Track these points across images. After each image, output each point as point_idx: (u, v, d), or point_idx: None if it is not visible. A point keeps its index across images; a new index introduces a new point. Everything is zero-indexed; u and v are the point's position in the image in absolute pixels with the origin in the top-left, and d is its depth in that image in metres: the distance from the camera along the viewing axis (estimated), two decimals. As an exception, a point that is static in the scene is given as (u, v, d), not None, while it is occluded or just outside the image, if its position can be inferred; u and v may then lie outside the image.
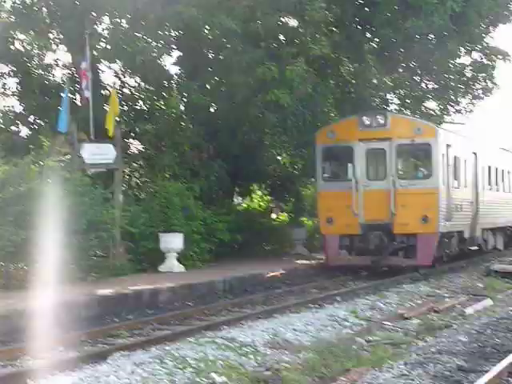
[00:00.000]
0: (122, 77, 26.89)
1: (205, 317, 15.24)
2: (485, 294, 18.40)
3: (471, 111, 31.56)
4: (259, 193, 31.30)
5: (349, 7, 25.99)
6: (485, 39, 29.10)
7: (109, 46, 24.62)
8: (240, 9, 23.73)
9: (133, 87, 27.14)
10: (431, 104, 31.31)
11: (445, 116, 31.67)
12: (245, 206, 30.93)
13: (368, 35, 27.66)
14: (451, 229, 23.29)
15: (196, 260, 23.08)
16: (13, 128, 26.05)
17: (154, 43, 24.24)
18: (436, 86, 30.28)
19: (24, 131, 26.31)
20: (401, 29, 25.48)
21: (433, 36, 26.92)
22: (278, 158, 30.76)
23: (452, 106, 31.36)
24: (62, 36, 25.38)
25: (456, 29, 25.82)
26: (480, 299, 17.51)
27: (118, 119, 22.92)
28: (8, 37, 24.89)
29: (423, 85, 30.66)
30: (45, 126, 25.05)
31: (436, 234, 22.13)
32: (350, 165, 22.95)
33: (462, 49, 28.54)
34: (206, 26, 24.50)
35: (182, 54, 26.61)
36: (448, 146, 23.10)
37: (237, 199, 30.73)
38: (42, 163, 20.36)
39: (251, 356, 11.26)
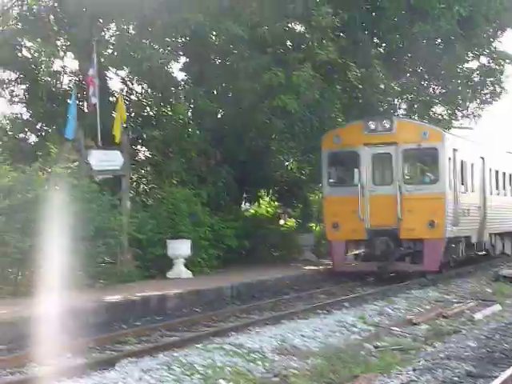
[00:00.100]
0: (129, 83, 26.91)
1: (213, 323, 15.20)
2: (493, 300, 18.34)
3: (479, 116, 31.51)
4: (267, 199, 31.27)
5: (355, 12, 25.95)
6: (492, 43, 29.06)
7: (116, 53, 24.63)
8: (246, 15, 23.75)
9: (140, 94, 27.17)
10: (439, 109, 31.28)
11: (453, 121, 31.62)
12: (252, 211, 30.90)
13: (375, 40, 27.65)
14: (458, 234, 23.19)
15: (204, 266, 23.05)
16: (20, 135, 26.11)
17: (161, 50, 24.23)
18: (444, 91, 30.22)
19: (31, 138, 26.37)
20: (408, 34, 25.47)
21: (440, 41, 26.91)
22: (286, 163, 30.74)
23: (460, 110, 31.30)
24: (69, 43, 25.41)
25: (463, 33, 25.80)
26: (489, 304, 17.45)
27: (125, 125, 22.93)
28: (15, 44, 24.94)
29: (431, 90, 30.62)
30: (52, 132, 25.06)
31: (443, 240, 22.02)
32: (355, 170, 22.91)
33: (470, 53, 28.50)
34: (213, 32, 24.54)
35: (188, 60, 26.63)
36: (455, 150, 23.03)
37: (244, 205, 30.71)
38: (49, 170, 20.41)
39: (259, 362, 11.24)
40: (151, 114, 27.14)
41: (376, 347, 12.63)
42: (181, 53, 26.23)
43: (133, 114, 26.39)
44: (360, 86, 27.87)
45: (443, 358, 11.17)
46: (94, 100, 21.68)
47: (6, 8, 25.07)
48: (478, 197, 25.43)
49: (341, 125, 26.33)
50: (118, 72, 26.30)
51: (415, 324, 14.98)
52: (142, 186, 27.16)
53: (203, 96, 24.82)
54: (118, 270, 20.04)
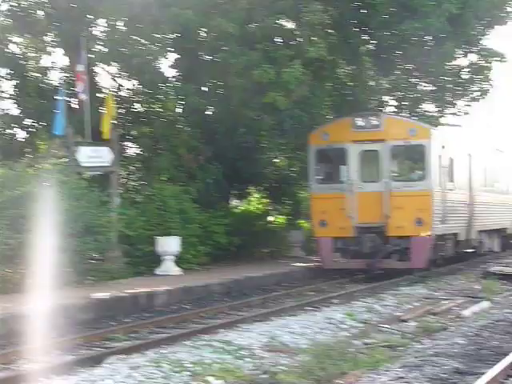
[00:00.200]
0: (118, 79, 26.88)
1: (201, 320, 15.20)
2: (482, 296, 18.37)
3: (468, 113, 31.54)
4: (256, 195, 31.28)
5: (345, 9, 25.94)
6: (481, 41, 29.10)
7: (105, 49, 24.60)
8: (236, 11, 23.72)
9: (129, 90, 27.13)
10: (428, 106, 31.30)
11: (442, 118, 31.65)
12: (242, 208, 30.90)
13: (365, 37, 27.62)
14: (446, 231, 23.22)
15: (193, 263, 23.05)
16: (9, 131, 26.03)
17: (151, 46, 24.21)
18: (433, 88, 30.25)
19: (20, 134, 26.31)
20: (397, 31, 25.47)
21: (429, 38, 26.90)
22: (275, 160, 30.74)
23: (449, 107, 31.33)
24: (58, 39, 25.36)
25: (453, 30, 25.80)
26: (477, 301, 17.48)
27: (114, 122, 22.90)
28: (4, 39, 24.88)
29: (420, 87, 30.64)
30: (41, 129, 25.01)
31: (430, 237, 22.07)
32: (343, 167, 22.88)
33: (459, 51, 28.52)
34: (203, 29, 24.48)
35: (178, 56, 26.59)
36: (443, 147, 23.06)
37: (234, 202, 30.71)
38: (38, 166, 20.34)
39: (248, 359, 11.24)
40: (140, 110, 27.11)
41: (365, 344, 12.63)
42: (170, 49, 26.17)
43: (122, 111, 26.34)
44: (350, 83, 27.93)
45: (431, 354, 11.19)
46: (84, 96, 21.63)
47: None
48: (466, 194, 25.48)
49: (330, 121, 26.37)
50: (107, 68, 26.27)
51: (404, 321, 14.99)
52: (131, 182, 27.12)
53: (193, 92, 24.79)
54: (107, 267, 20.01)
